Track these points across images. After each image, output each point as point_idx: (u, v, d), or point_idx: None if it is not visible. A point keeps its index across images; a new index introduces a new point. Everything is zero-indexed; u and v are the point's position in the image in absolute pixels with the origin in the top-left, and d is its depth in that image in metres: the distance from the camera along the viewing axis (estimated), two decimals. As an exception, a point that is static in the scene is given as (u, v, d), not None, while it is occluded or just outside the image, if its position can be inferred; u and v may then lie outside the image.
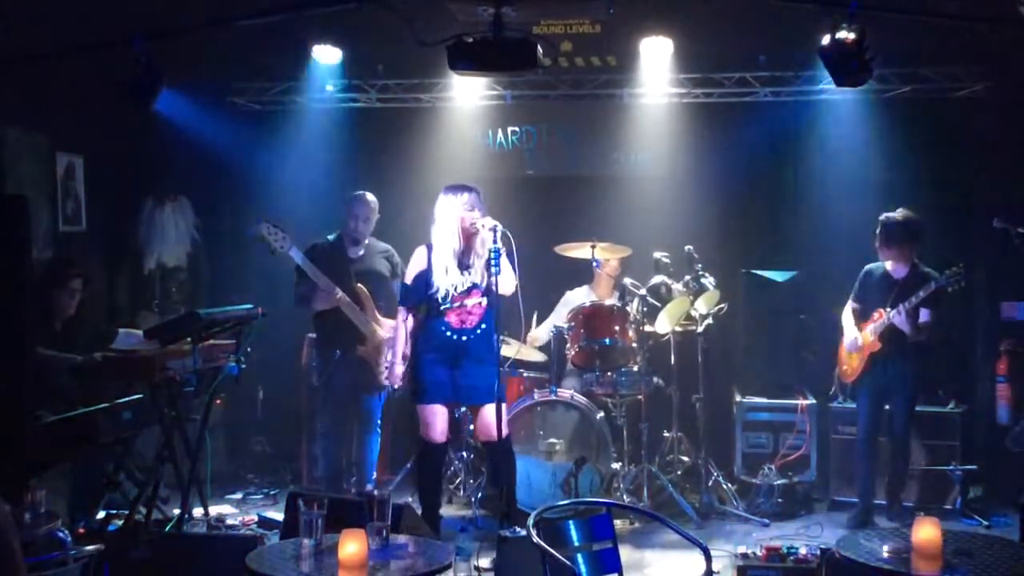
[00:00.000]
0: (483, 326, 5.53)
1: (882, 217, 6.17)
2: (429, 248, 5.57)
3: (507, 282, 5.43)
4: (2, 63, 5.27)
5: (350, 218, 6.31)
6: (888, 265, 6.25)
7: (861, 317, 6.35)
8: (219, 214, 7.61)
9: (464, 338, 5.50)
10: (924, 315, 6.05)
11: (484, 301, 5.53)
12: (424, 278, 5.54)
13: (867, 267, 6.36)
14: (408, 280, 5.64)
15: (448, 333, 5.51)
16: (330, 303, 6.14)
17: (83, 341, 5.60)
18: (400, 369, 5.67)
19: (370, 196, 6.36)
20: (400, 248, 6.56)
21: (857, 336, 6.28)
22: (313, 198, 7.38)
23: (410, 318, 5.64)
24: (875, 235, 6.17)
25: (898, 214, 6.15)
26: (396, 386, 5.73)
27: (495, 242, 5.33)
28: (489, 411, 5.43)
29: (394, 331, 5.80)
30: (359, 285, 6.22)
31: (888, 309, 6.08)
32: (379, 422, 6.40)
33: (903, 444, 6.29)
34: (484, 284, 5.49)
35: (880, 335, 6.14)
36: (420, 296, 5.57)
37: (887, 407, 6.29)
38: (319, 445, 6.48)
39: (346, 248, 6.34)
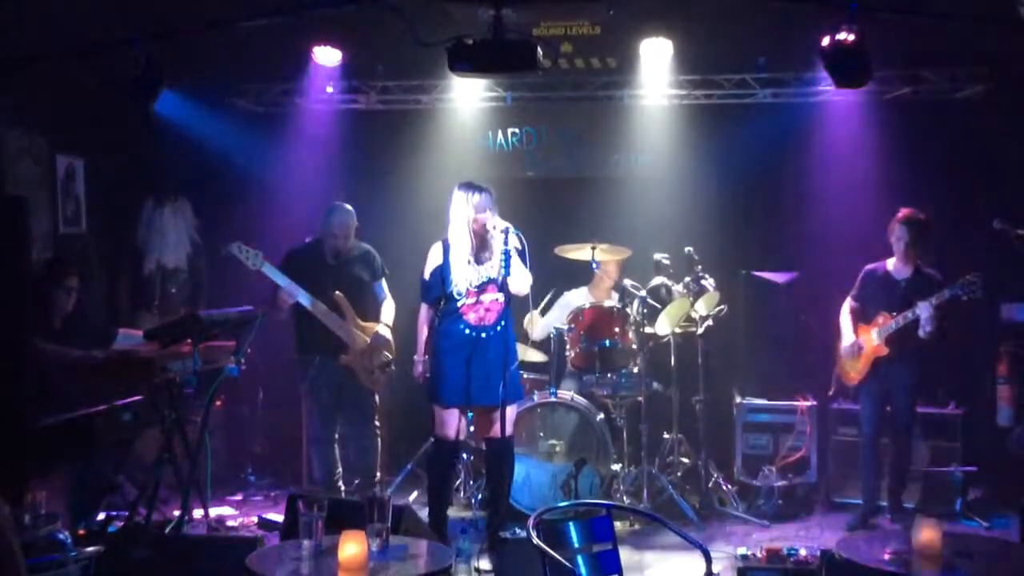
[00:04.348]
0: (502, 323, 5.52)
1: (904, 216, 6.13)
2: (445, 244, 5.55)
3: (520, 283, 5.44)
4: (2, 63, 5.26)
5: (328, 235, 6.23)
6: (890, 266, 6.24)
7: (860, 318, 6.33)
8: (219, 215, 7.60)
9: (483, 335, 5.48)
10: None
11: (501, 298, 5.50)
12: (441, 273, 5.51)
13: (868, 267, 6.34)
14: (426, 276, 5.60)
15: (467, 331, 5.48)
16: (287, 308, 6.10)
17: (82, 339, 5.59)
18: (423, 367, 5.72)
19: (347, 207, 6.28)
20: (401, 249, 6.56)
21: (857, 341, 6.25)
22: (313, 199, 7.35)
23: (431, 314, 5.60)
24: (897, 233, 6.11)
25: (920, 213, 6.14)
26: (421, 382, 5.75)
27: (505, 243, 5.34)
28: (497, 410, 5.47)
29: (418, 327, 5.73)
30: (337, 293, 6.13)
31: (894, 313, 6.06)
32: (376, 424, 6.39)
33: (905, 445, 6.28)
34: (501, 280, 5.45)
35: (887, 339, 6.12)
36: (438, 291, 5.53)
37: (888, 408, 6.28)
38: (312, 450, 6.46)
39: (325, 255, 6.26)
